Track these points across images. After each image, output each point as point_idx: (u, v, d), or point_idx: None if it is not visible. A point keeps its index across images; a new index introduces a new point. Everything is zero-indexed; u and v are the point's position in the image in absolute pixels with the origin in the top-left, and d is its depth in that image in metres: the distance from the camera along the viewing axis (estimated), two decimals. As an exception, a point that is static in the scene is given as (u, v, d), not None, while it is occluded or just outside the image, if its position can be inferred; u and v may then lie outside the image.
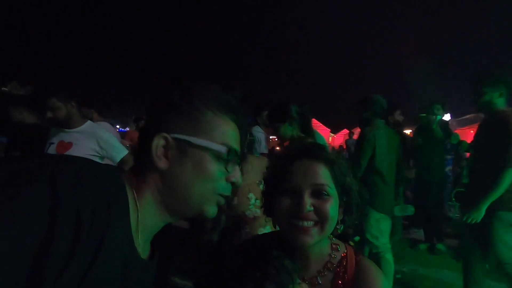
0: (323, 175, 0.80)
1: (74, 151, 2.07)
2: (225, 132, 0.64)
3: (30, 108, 2.75)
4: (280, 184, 0.82)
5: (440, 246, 3.88)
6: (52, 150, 2.11)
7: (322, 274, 0.84)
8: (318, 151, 0.83)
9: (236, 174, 0.66)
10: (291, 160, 0.83)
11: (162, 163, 0.60)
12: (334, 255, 0.86)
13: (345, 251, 0.88)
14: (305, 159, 0.82)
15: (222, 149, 0.62)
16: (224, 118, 0.65)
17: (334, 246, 0.88)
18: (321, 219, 0.77)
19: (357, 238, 3.25)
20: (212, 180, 0.62)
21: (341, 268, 0.84)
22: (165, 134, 0.60)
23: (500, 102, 2.23)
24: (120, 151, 2.21)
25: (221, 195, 0.64)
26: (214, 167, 0.62)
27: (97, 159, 2.12)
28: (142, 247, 0.61)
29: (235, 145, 0.65)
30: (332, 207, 0.78)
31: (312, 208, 0.77)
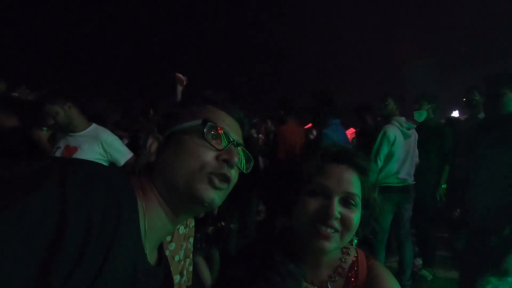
0: (356, 184, 0.77)
1: (79, 155, 2.11)
2: (212, 117, 0.66)
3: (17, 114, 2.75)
4: (309, 183, 0.78)
5: (424, 272, 3.22)
6: (58, 154, 2.16)
7: (333, 279, 0.81)
8: (356, 158, 0.79)
9: (229, 153, 0.63)
10: (327, 161, 0.79)
11: (152, 157, 0.65)
12: (345, 259, 0.83)
13: (356, 255, 0.85)
14: (343, 164, 0.78)
15: (198, 123, 0.63)
16: (217, 111, 0.69)
17: (344, 250, 0.85)
18: (344, 228, 0.75)
19: None
20: (194, 156, 0.61)
21: (352, 273, 0.81)
22: (156, 134, 0.66)
23: None
24: (124, 154, 2.25)
25: (213, 174, 0.62)
26: (193, 143, 0.62)
27: (102, 163, 2.15)
28: (150, 252, 0.61)
29: (230, 131, 0.66)
30: (356, 218, 0.76)
31: (339, 216, 0.74)
